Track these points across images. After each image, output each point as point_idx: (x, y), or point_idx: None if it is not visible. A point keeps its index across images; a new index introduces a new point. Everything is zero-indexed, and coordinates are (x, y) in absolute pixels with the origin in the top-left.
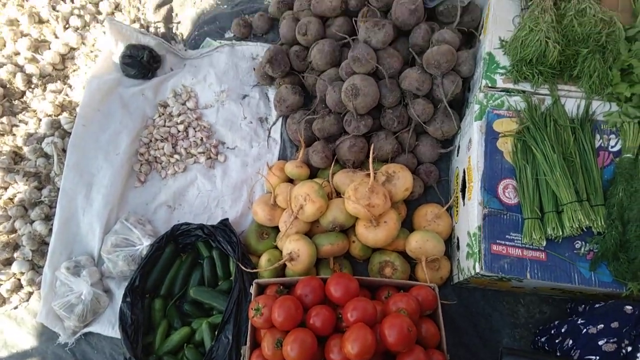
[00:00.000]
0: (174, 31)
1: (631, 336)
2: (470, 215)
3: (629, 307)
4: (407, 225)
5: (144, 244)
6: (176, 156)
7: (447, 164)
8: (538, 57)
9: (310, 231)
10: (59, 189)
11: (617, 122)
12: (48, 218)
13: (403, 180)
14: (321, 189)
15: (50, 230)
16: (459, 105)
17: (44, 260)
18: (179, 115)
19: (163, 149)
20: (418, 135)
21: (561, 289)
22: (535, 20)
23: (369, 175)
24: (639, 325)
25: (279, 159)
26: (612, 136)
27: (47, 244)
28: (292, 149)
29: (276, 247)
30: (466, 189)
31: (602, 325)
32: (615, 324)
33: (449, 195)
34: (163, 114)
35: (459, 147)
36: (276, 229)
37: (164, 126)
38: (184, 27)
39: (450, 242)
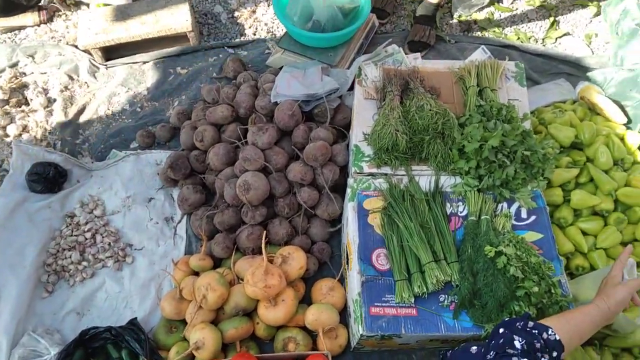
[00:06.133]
0: (80, 147)
1: None
2: (352, 283)
3: (474, 348)
4: (307, 301)
5: (51, 354)
6: (84, 263)
7: (338, 240)
8: (392, 146)
9: (217, 319)
10: None
11: (461, 192)
12: None
13: (297, 260)
14: (222, 277)
15: None
16: (342, 189)
17: None
18: (87, 223)
19: (70, 257)
20: (309, 219)
21: (436, 338)
22: (387, 117)
23: None
24: None
25: (185, 255)
26: (460, 203)
27: None
28: (198, 243)
29: (185, 339)
30: (348, 261)
31: None
32: None
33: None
34: (70, 224)
35: (343, 225)
36: (184, 322)
37: (71, 235)
38: (90, 142)
39: (345, 311)
